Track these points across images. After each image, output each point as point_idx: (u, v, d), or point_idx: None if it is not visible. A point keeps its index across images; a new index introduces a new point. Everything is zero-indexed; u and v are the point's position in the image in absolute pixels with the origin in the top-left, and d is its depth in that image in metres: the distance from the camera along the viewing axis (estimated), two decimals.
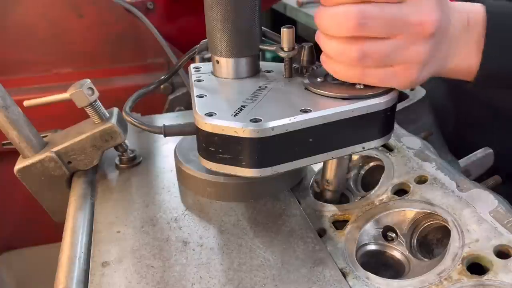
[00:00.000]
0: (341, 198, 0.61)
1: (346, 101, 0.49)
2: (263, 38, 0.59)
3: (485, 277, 0.42)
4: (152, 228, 0.55)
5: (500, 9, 0.52)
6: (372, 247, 0.53)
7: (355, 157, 0.65)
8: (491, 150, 0.69)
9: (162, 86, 1.10)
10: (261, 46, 0.58)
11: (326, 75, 0.53)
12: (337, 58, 0.48)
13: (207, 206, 0.59)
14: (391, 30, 0.45)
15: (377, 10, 0.44)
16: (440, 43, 0.48)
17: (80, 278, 0.48)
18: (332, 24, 0.46)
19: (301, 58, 0.56)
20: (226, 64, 0.58)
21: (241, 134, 0.46)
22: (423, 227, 0.53)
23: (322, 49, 0.50)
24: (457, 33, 0.50)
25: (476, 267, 0.44)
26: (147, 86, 0.65)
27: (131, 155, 0.70)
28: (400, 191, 0.57)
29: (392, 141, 0.64)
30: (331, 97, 0.51)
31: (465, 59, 0.52)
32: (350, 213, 0.55)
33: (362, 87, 0.50)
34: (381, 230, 0.53)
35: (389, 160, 0.61)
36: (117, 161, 0.70)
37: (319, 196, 0.61)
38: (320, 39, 0.49)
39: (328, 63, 0.50)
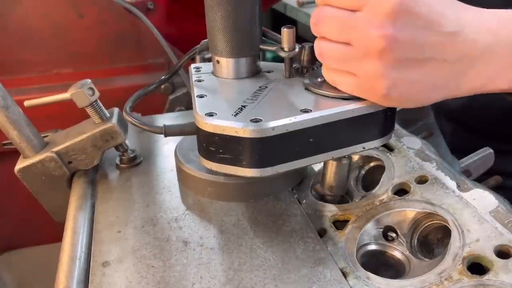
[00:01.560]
0: (341, 198, 0.61)
1: (347, 101, 0.49)
2: (263, 38, 0.59)
3: (486, 277, 0.42)
4: (152, 228, 0.55)
5: None
6: (372, 247, 0.53)
7: (355, 157, 0.65)
8: (491, 150, 0.69)
9: (162, 86, 1.10)
10: (261, 46, 0.58)
11: None
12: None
13: (208, 206, 0.59)
14: (341, 35, 0.45)
15: (330, 12, 0.45)
16: (410, 59, 0.44)
17: (81, 278, 0.48)
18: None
19: (302, 58, 0.56)
20: (226, 64, 0.58)
21: (241, 134, 0.46)
22: (423, 227, 0.53)
23: None
24: (479, 50, 0.45)
25: (477, 267, 0.44)
26: (147, 86, 0.65)
27: (131, 155, 0.70)
28: (401, 191, 0.57)
29: (392, 141, 0.64)
30: (331, 97, 0.51)
31: (498, 76, 0.47)
32: (350, 213, 0.55)
33: None
34: (382, 230, 0.53)
35: (389, 160, 0.61)
36: (117, 161, 0.70)
37: (320, 197, 0.61)
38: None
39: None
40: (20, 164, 0.63)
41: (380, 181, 0.58)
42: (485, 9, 0.47)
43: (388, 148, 0.63)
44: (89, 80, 0.63)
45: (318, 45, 0.49)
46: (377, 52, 0.43)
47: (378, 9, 0.42)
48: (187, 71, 0.68)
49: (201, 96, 0.54)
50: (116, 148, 0.68)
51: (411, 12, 0.42)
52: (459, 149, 0.73)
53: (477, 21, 0.46)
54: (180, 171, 0.63)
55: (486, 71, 0.47)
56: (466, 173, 0.67)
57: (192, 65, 0.65)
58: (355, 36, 0.44)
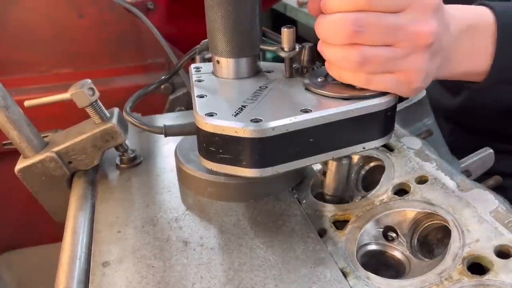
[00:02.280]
0: (341, 198, 0.61)
1: (347, 101, 0.49)
2: (263, 38, 0.59)
3: (486, 277, 0.42)
4: (152, 228, 0.55)
5: (503, 6, 0.53)
6: (372, 247, 0.53)
7: (355, 157, 0.65)
8: (491, 150, 0.69)
9: (162, 86, 1.10)
10: (261, 46, 0.58)
11: (327, 75, 0.53)
12: (339, 64, 0.48)
13: (208, 206, 0.59)
14: (388, 38, 0.46)
15: (373, 18, 0.45)
16: (438, 51, 0.49)
17: (81, 278, 0.48)
18: (330, 32, 0.46)
19: (302, 58, 0.57)
20: (226, 64, 0.58)
21: (241, 134, 0.46)
22: (423, 227, 0.53)
23: (324, 56, 0.50)
24: (459, 36, 0.51)
25: (477, 267, 0.44)
26: (147, 86, 0.65)
27: (131, 155, 0.70)
28: (401, 191, 0.57)
29: (392, 141, 0.64)
30: (331, 97, 0.51)
31: (470, 61, 0.53)
32: (350, 213, 0.55)
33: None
34: (382, 230, 0.54)
35: (389, 160, 0.61)
36: (117, 161, 0.70)
37: (319, 197, 0.61)
38: (321, 46, 0.49)
39: (332, 69, 0.50)
40: (20, 164, 0.63)
41: (380, 181, 0.58)
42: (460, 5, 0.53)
43: (388, 148, 0.63)
44: (89, 80, 0.63)
45: (359, 54, 0.46)
46: (424, 47, 0.46)
47: (425, 7, 0.45)
48: (187, 71, 0.68)
49: (201, 96, 0.54)
50: (116, 148, 0.68)
51: (443, 8, 0.47)
52: (457, 150, 0.73)
53: (458, 14, 0.51)
54: (180, 171, 0.63)
55: (455, 57, 0.52)
56: (466, 173, 0.68)
57: (192, 65, 0.65)
58: (402, 37, 0.45)
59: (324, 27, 0.47)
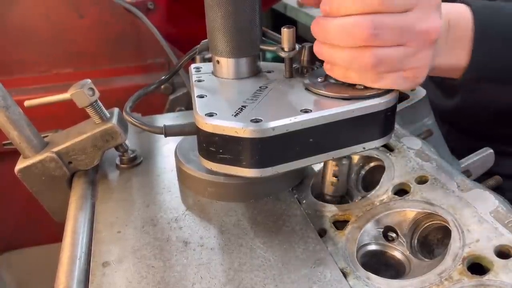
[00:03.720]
0: (341, 198, 0.61)
1: (347, 101, 0.49)
2: (263, 38, 0.59)
3: (486, 277, 0.42)
4: (152, 228, 0.55)
5: (482, 4, 0.55)
6: (372, 247, 0.53)
7: (355, 157, 0.65)
8: (491, 150, 0.69)
9: (162, 86, 1.10)
10: (261, 46, 0.58)
11: (327, 75, 0.53)
12: (348, 66, 0.48)
13: (208, 206, 0.59)
14: (401, 38, 0.46)
15: (387, 20, 0.45)
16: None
17: (81, 278, 0.48)
18: (343, 35, 0.46)
19: (302, 58, 0.56)
20: (226, 64, 0.58)
21: (241, 134, 0.46)
22: (423, 227, 0.53)
23: (327, 58, 0.50)
24: (441, 33, 0.51)
25: (477, 267, 0.44)
26: (147, 86, 0.65)
27: (131, 155, 0.70)
28: (401, 191, 0.57)
29: (392, 141, 0.64)
30: (331, 97, 0.51)
31: (450, 57, 0.54)
32: (350, 213, 0.55)
33: (362, 87, 0.50)
34: (382, 230, 0.53)
35: (389, 160, 0.61)
36: (117, 161, 0.70)
37: (319, 197, 0.61)
38: (323, 49, 0.49)
39: (335, 71, 0.50)
40: (20, 164, 0.63)
41: (380, 181, 0.58)
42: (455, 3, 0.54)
43: (388, 148, 0.63)
44: (89, 80, 0.63)
45: (373, 55, 0.46)
46: (430, 43, 0.48)
47: (430, 5, 0.47)
48: (187, 71, 0.68)
49: (201, 96, 0.54)
50: (116, 148, 0.68)
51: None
52: (453, 151, 0.73)
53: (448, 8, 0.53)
54: (180, 171, 0.63)
55: (443, 51, 0.53)
56: (466, 173, 0.67)
57: (192, 65, 0.65)
58: (412, 35, 0.46)
59: (334, 30, 0.46)
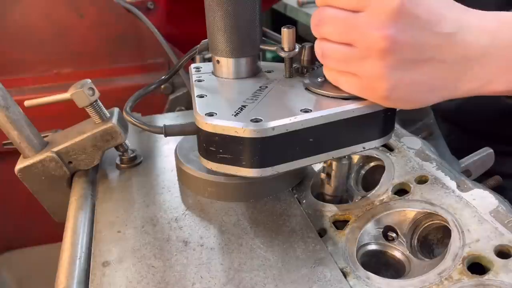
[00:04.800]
0: (341, 198, 0.61)
1: (347, 101, 0.49)
2: (263, 38, 0.59)
3: (486, 277, 0.42)
4: (152, 228, 0.55)
5: None
6: (372, 247, 0.53)
7: (355, 157, 0.65)
8: (491, 150, 0.69)
9: (162, 86, 1.11)
10: (261, 46, 0.58)
11: None
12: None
13: (208, 206, 0.59)
14: (343, 36, 0.46)
15: (332, 14, 0.45)
16: (416, 61, 0.45)
17: (81, 278, 0.48)
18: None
19: (302, 58, 0.57)
20: (226, 64, 0.58)
21: (241, 134, 0.46)
22: (423, 227, 0.53)
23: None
24: (485, 51, 0.46)
25: (477, 267, 0.44)
26: (147, 86, 0.65)
27: (131, 155, 0.70)
28: (401, 191, 0.57)
29: (392, 141, 0.64)
30: (331, 97, 0.51)
31: (496, 78, 0.47)
32: (350, 213, 0.55)
33: None
34: (382, 230, 0.54)
35: (389, 160, 0.61)
36: (117, 161, 0.70)
37: (319, 197, 0.61)
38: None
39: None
40: (20, 164, 0.63)
41: (380, 181, 0.58)
42: (487, 12, 0.47)
43: (388, 148, 0.63)
44: (89, 80, 0.63)
45: (319, 46, 0.48)
46: (378, 52, 0.44)
47: (380, 10, 0.43)
48: (187, 71, 0.68)
49: (201, 96, 0.54)
50: (116, 148, 0.68)
51: (412, 13, 0.43)
52: (455, 150, 0.73)
53: (477, 23, 0.46)
54: (180, 171, 0.63)
55: (484, 72, 0.46)
56: (466, 173, 0.67)
57: (192, 65, 0.65)
58: (357, 37, 0.44)
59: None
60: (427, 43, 0.44)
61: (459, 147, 0.74)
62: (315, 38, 0.50)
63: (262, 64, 0.61)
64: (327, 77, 0.51)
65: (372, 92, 0.47)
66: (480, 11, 0.47)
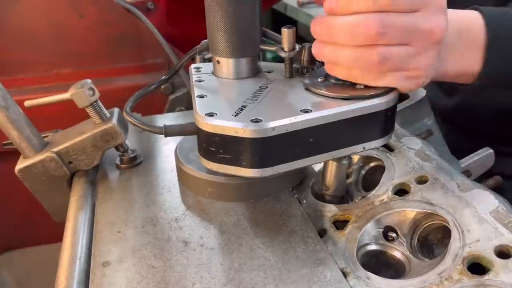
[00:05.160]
0: (341, 198, 0.61)
1: (347, 102, 0.49)
2: (263, 38, 0.59)
3: (486, 277, 0.42)
4: (152, 228, 0.55)
5: (493, 10, 0.55)
6: (372, 247, 0.53)
7: (355, 157, 0.65)
8: (491, 150, 0.69)
9: (162, 86, 1.11)
10: (261, 46, 0.58)
11: (326, 75, 0.53)
12: (352, 64, 0.48)
13: (208, 206, 0.59)
14: (407, 38, 0.47)
15: (395, 19, 0.45)
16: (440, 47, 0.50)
17: (81, 278, 0.48)
18: (349, 33, 0.46)
19: (302, 58, 0.57)
20: (226, 64, 0.58)
21: (241, 134, 0.46)
22: (423, 227, 0.53)
23: (330, 57, 0.49)
24: (452, 39, 0.52)
25: (477, 267, 0.44)
26: (147, 86, 0.65)
27: (131, 155, 0.70)
28: (401, 191, 0.57)
29: (392, 141, 0.64)
30: (331, 97, 0.51)
31: (461, 63, 0.54)
32: (350, 213, 0.55)
33: (362, 87, 0.50)
34: (382, 230, 0.53)
35: (389, 160, 0.61)
36: (117, 161, 0.70)
37: (319, 197, 0.61)
38: (325, 48, 0.49)
39: (338, 70, 0.50)
40: (21, 164, 0.63)
41: (380, 181, 0.58)
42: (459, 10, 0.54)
43: (388, 148, 0.63)
44: (89, 80, 0.63)
45: (379, 53, 0.46)
46: (435, 44, 0.48)
47: (436, 6, 0.47)
48: (187, 71, 0.68)
49: (201, 96, 0.54)
50: (116, 148, 0.68)
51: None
52: (453, 150, 0.73)
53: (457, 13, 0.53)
54: (180, 171, 0.63)
55: (446, 57, 0.53)
56: (466, 173, 0.67)
57: (192, 65, 0.65)
58: (417, 35, 0.47)
59: (340, 28, 0.46)
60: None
61: (457, 147, 0.74)
62: (315, 39, 0.50)
63: (262, 64, 0.61)
64: (363, 79, 0.50)
65: (414, 81, 0.50)
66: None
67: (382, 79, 0.49)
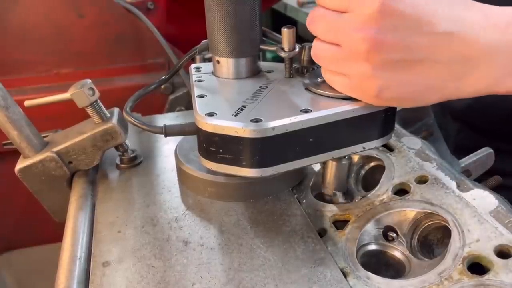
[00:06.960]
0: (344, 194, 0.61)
1: (347, 101, 0.49)
2: (263, 38, 0.59)
3: (486, 277, 0.42)
4: (152, 228, 0.55)
5: None
6: (372, 247, 0.53)
7: (355, 157, 0.65)
8: (491, 150, 0.69)
9: (162, 86, 1.10)
10: (261, 46, 0.58)
11: None
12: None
13: (208, 206, 0.59)
14: (330, 36, 0.46)
15: (321, 13, 0.46)
16: (404, 62, 0.44)
17: (81, 278, 0.48)
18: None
19: (302, 58, 0.57)
20: (226, 64, 0.58)
21: (241, 134, 0.46)
22: (423, 227, 0.53)
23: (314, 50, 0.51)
24: (484, 50, 0.44)
25: (477, 267, 0.44)
26: (147, 86, 0.65)
27: (131, 155, 0.70)
28: (401, 191, 0.57)
29: (392, 141, 0.64)
30: (331, 97, 0.51)
31: (505, 77, 0.45)
32: (350, 213, 0.55)
33: None
34: (382, 230, 0.54)
35: (389, 160, 0.61)
36: (117, 161, 0.70)
37: (319, 198, 0.61)
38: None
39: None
40: (20, 164, 0.63)
41: (380, 181, 0.58)
42: (494, 6, 0.45)
43: (388, 148, 0.63)
44: (89, 80, 0.63)
45: (313, 45, 0.49)
46: (362, 54, 0.44)
47: (361, 12, 0.42)
48: (187, 71, 0.68)
49: (201, 96, 0.54)
50: (116, 148, 0.68)
51: (395, 13, 0.42)
52: (464, 148, 0.73)
53: (482, 19, 0.44)
54: (180, 171, 0.63)
55: (492, 71, 0.44)
56: (466, 173, 0.67)
57: (192, 65, 0.65)
58: (342, 38, 0.45)
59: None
60: (416, 43, 0.43)
61: (469, 145, 0.74)
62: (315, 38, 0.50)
63: (262, 64, 0.61)
64: (323, 76, 0.51)
65: (363, 92, 0.47)
66: (485, 5, 0.45)
67: (331, 81, 0.50)
